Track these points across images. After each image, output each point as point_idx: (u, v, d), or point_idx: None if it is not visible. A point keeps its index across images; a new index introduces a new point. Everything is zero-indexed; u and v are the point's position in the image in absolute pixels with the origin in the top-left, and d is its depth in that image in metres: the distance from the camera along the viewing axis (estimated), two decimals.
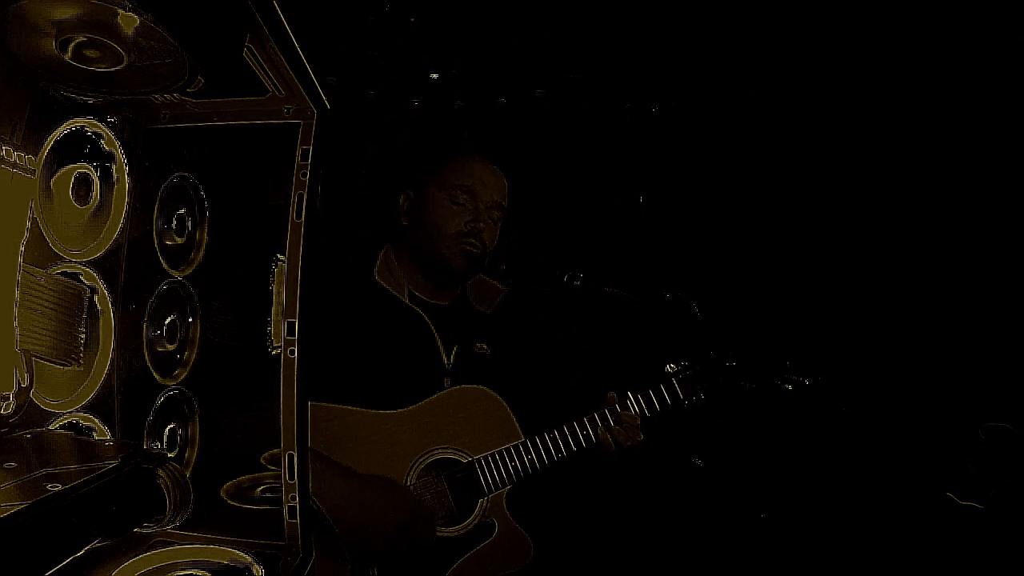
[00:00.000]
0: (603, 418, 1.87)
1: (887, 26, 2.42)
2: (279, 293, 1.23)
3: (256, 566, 1.12)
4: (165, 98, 1.22)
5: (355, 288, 1.99)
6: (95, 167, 1.25)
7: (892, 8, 2.39)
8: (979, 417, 2.08)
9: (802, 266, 2.59)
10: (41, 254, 1.17)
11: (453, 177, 1.99)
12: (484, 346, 2.04)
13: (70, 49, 1.00)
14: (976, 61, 2.35)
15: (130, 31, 0.95)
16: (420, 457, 1.84)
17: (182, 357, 1.35)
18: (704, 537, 2.42)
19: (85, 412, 1.27)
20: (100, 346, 1.28)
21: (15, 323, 1.08)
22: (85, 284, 1.25)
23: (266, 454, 1.24)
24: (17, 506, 0.81)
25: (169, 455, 1.25)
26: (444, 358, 1.97)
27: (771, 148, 2.68)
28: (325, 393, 1.79)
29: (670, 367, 1.92)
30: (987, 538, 1.95)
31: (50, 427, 1.21)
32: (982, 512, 1.97)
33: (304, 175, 1.22)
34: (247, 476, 1.28)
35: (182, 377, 1.35)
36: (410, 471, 1.82)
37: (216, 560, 1.14)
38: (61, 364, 1.20)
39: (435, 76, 2.53)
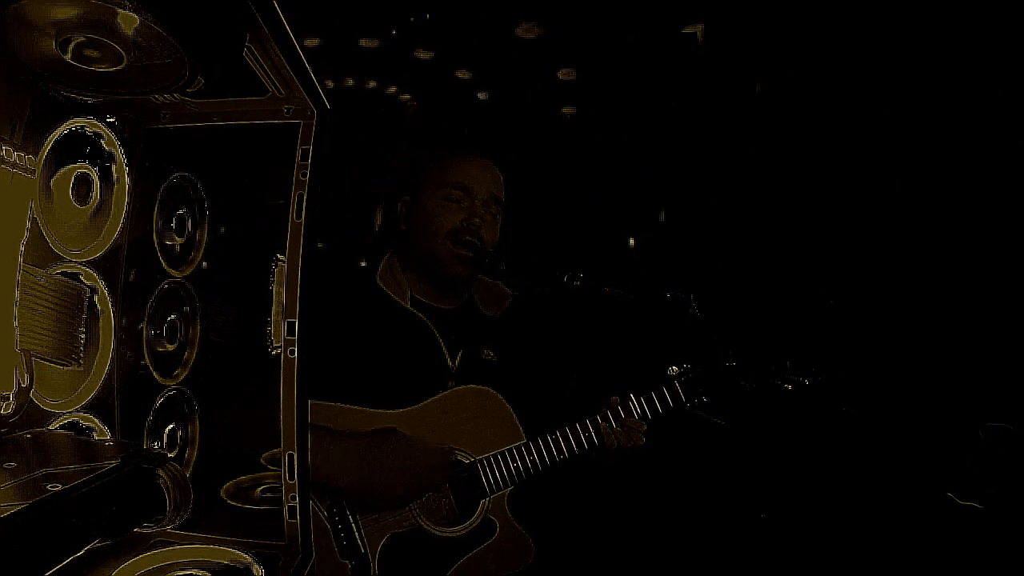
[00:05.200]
0: (605, 419, 1.87)
1: (887, 26, 2.42)
2: (279, 293, 1.23)
3: (256, 566, 1.11)
4: (165, 98, 1.22)
5: (357, 292, 1.98)
6: (95, 167, 1.25)
7: (892, 8, 2.39)
8: (979, 417, 2.08)
9: (802, 266, 2.59)
10: (41, 254, 1.17)
11: (446, 176, 1.96)
12: (491, 353, 2.03)
13: (70, 49, 1.00)
14: (976, 59, 2.35)
15: (130, 31, 0.95)
16: None
17: (182, 357, 1.36)
18: (704, 537, 2.42)
19: (85, 412, 1.27)
20: (100, 346, 1.28)
21: (15, 323, 1.08)
22: (85, 284, 1.25)
23: (266, 454, 1.24)
24: (17, 506, 0.81)
25: (169, 455, 1.25)
26: (449, 362, 1.96)
27: (771, 148, 2.68)
28: (329, 394, 1.79)
29: (672, 369, 1.91)
30: (987, 538, 1.95)
31: (50, 427, 1.21)
32: (982, 512, 1.97)
33: (304, 175, 1.22)
34: (247, 476, 1.28)
35: (182, 377, 1.35)
36: None
37: (216, 560, 1.14)
38: (61, 364, 1.20)
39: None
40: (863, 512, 2.26)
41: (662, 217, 2.81)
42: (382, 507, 1.77)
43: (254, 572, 1.10)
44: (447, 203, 1.94)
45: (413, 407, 1.86)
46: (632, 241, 2.86)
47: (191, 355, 1.36)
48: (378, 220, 2.71)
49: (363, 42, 2.64)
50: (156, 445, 1.31)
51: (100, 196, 1.26)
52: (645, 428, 1.86)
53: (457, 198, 1.94)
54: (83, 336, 1.23)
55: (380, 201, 2.71)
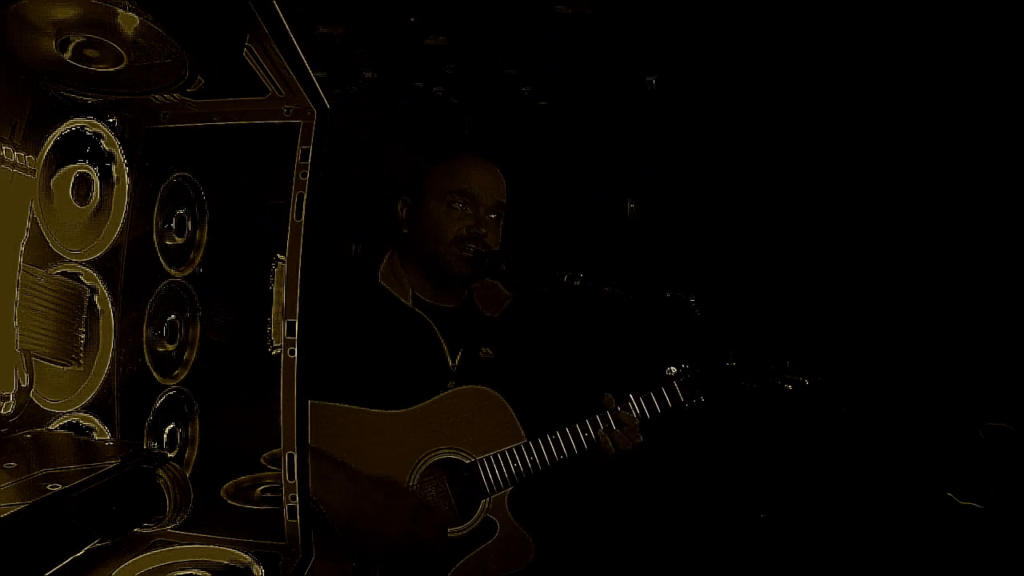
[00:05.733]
0: (604, 420, 1.87)
1: (887, 26, 2.42)
2: (279, 293, 1.23)
3: (256, 566, 1.11)
4: (165, 98, 1.22)
5: (358, 290, 1.98)
6: (95, 167, 1.25)
7: (892, 8, 2.39)
8: (979, 417, 2.08)
9: (802, 266, 2.59)
10: (41, 254, 1.16)
11: (451, 182, 1.95)
12: (489, 351, 2.03)
13: (70, 49, 1.00)
14: (976, 59, 2.35)
15: (130, 31, 0.95)
16: (423, 457, 1.84)
17: (182, 357, 1.35)
18: (704, 537, 2.42)
19: (85, 412, 1.27)
20: (100, 346, 1.28)
21: (15, 323, 1.08)
22: (85, 284, 1.25)
23: (266, 454, 1.24)
24: (17, 506, 0.81)
25: (169, 455, 1.25)
26: (449, 361, 1.96)
27: (771, 148, 2.68)
28: (329, 394, 1.79)
29: (671, 370, 1.91)
30: (987, 538, 1.95)
31: (50, 427, 1.21)
32: (982, 512, 1.97)
33: (304, 175, 1.22)
34: (247, 476, 1.28)
35: (182, 377, 1.35)
36: (413, 471, 1.82)
37: (216, 560, 1.13)
38: (61, 364, 1.20)
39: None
40: (863, 512, 2.26)
41: (662, 216, 2.81)
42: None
43: (254, 572, 1.10)
44: (451, 210, 1.93)
45: (414, 407, 1.86)
46: (632, 240, 2.86)
47: (191, 355, 1.36)
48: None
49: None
50: (156, 445, 1.31)
51: (100, 196, 1.26)
52: (638, 425, 1.86)
53: (461, 206, 1.93)
54: (83, 336, 1.23)
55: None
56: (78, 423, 1.25)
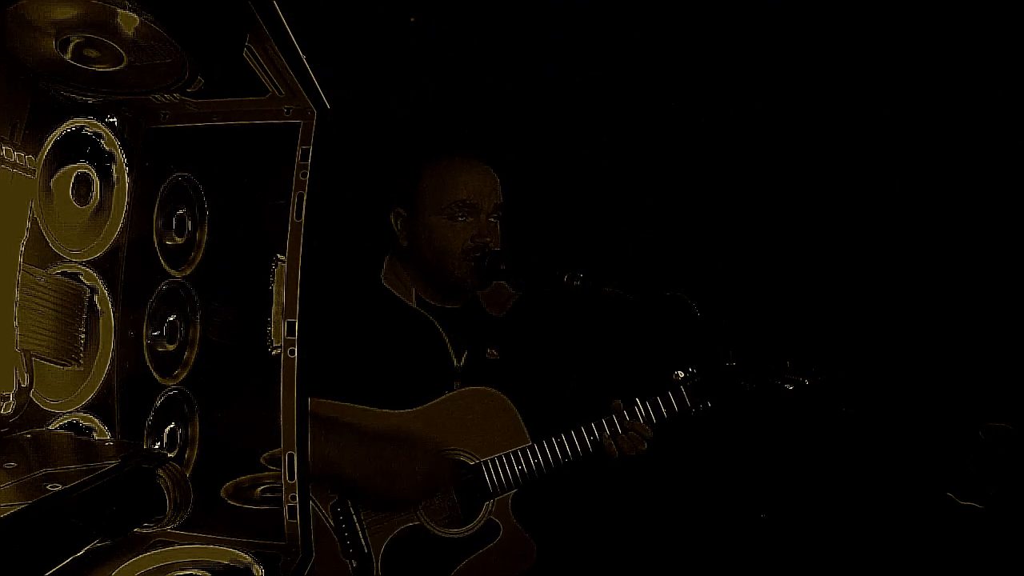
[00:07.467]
0: (610, 424, 1.86)
1: (887, 26, 2.42)
2: (279, 293, 1.23)
3: (256, 566, 1.12)
4: (165, 98, 1.22)
5: (362, 292, 1.98)
6: (95, 167, 1.25)
7: (892, 8, 2.39)
8: (979, 417, 2.08)
9: (803, 266, 2.59)
10: (41, 254, 1.16)
11: (448, 193, 1.91)
12: (494, 351, 2.02)
13: (70, 49, 1.00)
14: (976, 59, 2.35)
15: (130, 31, 0.95)
16: None
17: (182, 357, 1.36)
18: (704, 537, 2.42)
19: (85, 412, 1.27)
20: (100, 346, 1.28)
21: (15, 323, 1.08)
22: (85, 284, 1.25)
23: (266, 454, 1.24)
24: (17, 506, 0.81)
25: (169, 455, 1.25)
26: (454, 361, 1.96)
27: (771, 148, 2.67)
28: (335, 394, 1.79)
29: (678, 374, 1.90)
30: (987, 538, 1.95)
31: (50, 427, 1.21)
32: (982, 512, 1.97)
33: (304, 175, 1.23)
34: (247, 476, 1.28)
35: (182, 377, 1.35)
36: None
37: (216, 560, 1.14)
38: (61, 364, 1.20)
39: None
40: (863, 512, 2.26)
41: (663, 216, 2.80)
42: (388, 507, 1.77)
43: (254, 572, 1.10)
44: (454, 223, 1.90)
45: (419, 408, 1.86)
46: (632, 241, 2.86)
47: (191, 355, 1.36)
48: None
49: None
50: (156, 445, 1.31)
51: (100, 196, 1.27)
52: (651, 435, 1.85)
53: (463, 217, 1.91)
54: (83, 336, 1.23)
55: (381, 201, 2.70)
56: (78, 423, 1.25)
